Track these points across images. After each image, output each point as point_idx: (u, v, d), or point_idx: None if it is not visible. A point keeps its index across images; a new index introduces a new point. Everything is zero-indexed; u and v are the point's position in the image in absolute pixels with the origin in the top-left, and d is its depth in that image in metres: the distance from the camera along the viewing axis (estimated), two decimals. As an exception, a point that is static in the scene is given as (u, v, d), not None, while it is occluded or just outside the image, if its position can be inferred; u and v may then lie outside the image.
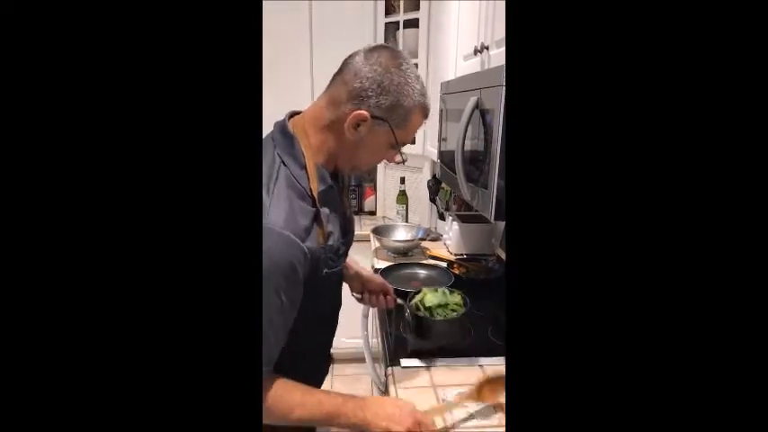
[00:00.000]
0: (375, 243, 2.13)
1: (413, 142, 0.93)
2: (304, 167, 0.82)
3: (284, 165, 0.80)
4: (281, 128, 0.85)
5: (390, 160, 0.91)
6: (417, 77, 0.83)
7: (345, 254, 0.97)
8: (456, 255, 1.99)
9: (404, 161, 0.89)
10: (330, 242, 0.85)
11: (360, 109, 0.79)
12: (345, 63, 0.83)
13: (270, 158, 0.81)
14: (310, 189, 0.81)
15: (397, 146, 0.85)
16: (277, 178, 0.79)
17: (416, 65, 2.26)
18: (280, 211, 0.75)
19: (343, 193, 0.97)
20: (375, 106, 0.79)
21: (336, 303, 1.06)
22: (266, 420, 0.77)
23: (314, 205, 0.82)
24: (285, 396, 0.81)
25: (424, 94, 0.84)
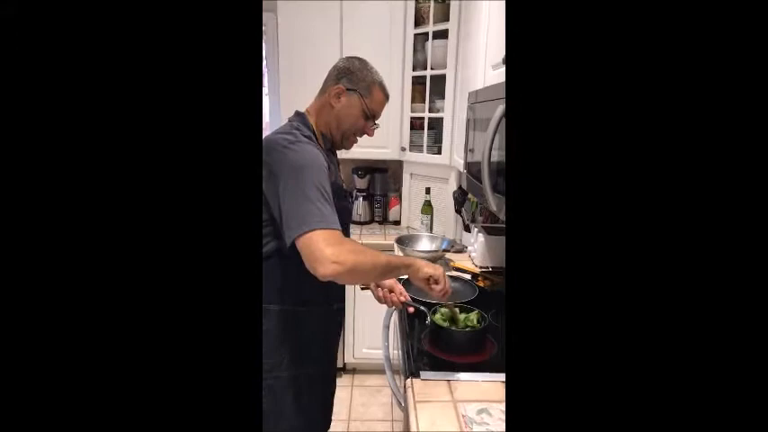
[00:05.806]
0: (399, 253, 2.12)
1: (376, 117, 1.23)
2: (312, 132, 1.18)
3: (298, 129, 1.13)
4: (296, 111, 1.23)
5: (368, 132, 1.23)
6: (376, 71, 1.21)
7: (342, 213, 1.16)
8: (481, 267, 1.96)
9: (376, 126, 1.25)
10: (334, 179, 1.12)
11: (337, 85, 1.18)
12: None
13: (287, 126, 1.17)
14: (318, 144, 1.15)
15: (368, 113, 1.19)
16: (295, 132, 1.10)
17: (444, 75, 2.30)
18: (306, 143, 1.07)
19: (338, 168, 1.30)
20: (346, 81, 1.18)
21: None
22: (358, 273, 0.98)
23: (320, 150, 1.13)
24: (364, 248, 1.02)
25: (381, 79, 1.21)
